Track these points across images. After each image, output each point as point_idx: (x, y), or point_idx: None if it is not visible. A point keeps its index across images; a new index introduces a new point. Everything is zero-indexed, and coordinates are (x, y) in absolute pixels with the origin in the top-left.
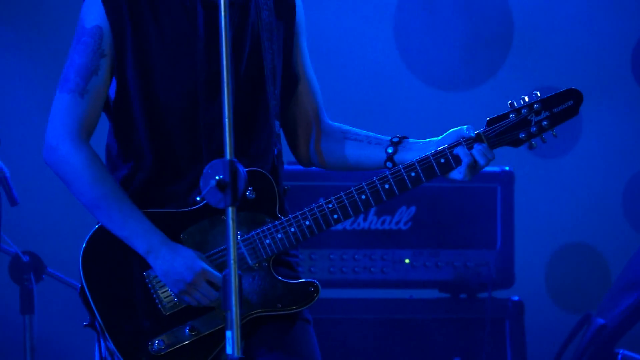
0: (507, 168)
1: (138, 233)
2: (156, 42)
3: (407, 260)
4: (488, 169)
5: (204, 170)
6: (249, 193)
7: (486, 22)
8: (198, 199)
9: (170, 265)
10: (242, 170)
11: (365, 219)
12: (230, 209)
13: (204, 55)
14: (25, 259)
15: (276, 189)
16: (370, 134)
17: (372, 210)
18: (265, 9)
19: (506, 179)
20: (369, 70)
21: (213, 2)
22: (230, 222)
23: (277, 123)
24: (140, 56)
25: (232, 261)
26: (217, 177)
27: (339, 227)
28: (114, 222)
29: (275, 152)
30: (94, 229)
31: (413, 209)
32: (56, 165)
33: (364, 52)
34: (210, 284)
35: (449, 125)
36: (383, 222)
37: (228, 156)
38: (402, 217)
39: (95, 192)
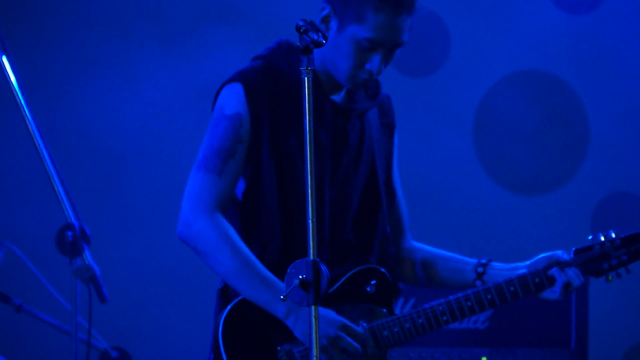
0: None
1: (278, 296)
2: (290, 136)
3: (484, 359)
4: None
5: (288, 270)
6: (370, 287)
7: (564, 127)
8: (282, 297)
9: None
10: (325, 270)
11: None
12: (313, 307)
13: (330, 153)
14: (114, 354)
15: (392, 286)
16: (456, 255)
17: None
18: (375, 125)
19: None
20: (448, 174)
21: (342, 108)
22: (313, 320)
23: (388, 228)
24: (275, 147)
25: (314, 357)
26: (300, 277)
27: None
28: (256, 287)
29: (393, 252)
30: (229, 307)
31: (490, 310)
32: (193, 239)
33: (444, 156)
34: (352, 338)
35: (526, 229)
36: (462, 321)
37: (311, 256)
38: (480, 317)
39: (237, 260)
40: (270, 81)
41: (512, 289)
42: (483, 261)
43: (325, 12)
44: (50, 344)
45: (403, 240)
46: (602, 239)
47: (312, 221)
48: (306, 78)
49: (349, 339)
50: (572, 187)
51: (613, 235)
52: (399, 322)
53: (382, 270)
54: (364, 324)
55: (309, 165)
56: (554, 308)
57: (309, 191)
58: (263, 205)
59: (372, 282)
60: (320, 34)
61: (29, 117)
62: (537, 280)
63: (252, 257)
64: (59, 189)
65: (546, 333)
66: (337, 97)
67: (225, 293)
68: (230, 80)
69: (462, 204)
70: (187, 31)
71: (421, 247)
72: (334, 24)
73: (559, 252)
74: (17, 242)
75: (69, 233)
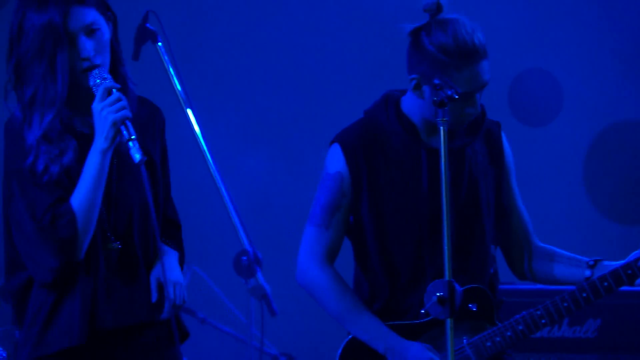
0: None
1: (377, 336)
2: (387, 184)
3: None
4: None
5: (427, 289)
6: (472, 306)
7: None
8: (422, 311)
9: (405, 358)
10: (459, 288)
11: (559, 329)
12: (449, 320)
13: (428, 195)
14: (282, 359)
15: (493, 302)
16: (571, 255)
17: (566, 321)
18: (480, 153)
19: None
20: (557, 210)
21: (434, 149)
22: (449, 331)
23: (492, 247)
24: (373, 197)
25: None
26: (437, 294)
27: (538, 335)
28: (357, 329)
29: (492, 271)
30: (346, 340)
31: (599, 320)
32: (307, 285)
33: (553, 190)
34: None
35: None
36: (574, 332)
37: (447, 277)
38: (590, 327)
39: (340, 307)
40: (368, 135)
41: (605, 284)
42: (591, 263)
43: (414, 82)
44: (229, 351)
45: (530, 245)
46: None
47: (449, 249)
48: (442, 128)
49: None
50: None
51: None
52: (500, 331)
53: (484, 288)
54: (466, 340)
55: (444, 199)
56: None
57: (445, 227)
58: (366, 248)
59: (475, 301)
60: (453, 90)
61: (211, 164)
62: (629, 272)
63: (355, 301)
64: (236, 221)
65: None
66: (437, 139)
67: None
68: (332, 142)
69: (571, 237)
70: None
71: (545, 249)
72: (425, 88)
73: None
74: (202, 266)
75: (244, 258)
